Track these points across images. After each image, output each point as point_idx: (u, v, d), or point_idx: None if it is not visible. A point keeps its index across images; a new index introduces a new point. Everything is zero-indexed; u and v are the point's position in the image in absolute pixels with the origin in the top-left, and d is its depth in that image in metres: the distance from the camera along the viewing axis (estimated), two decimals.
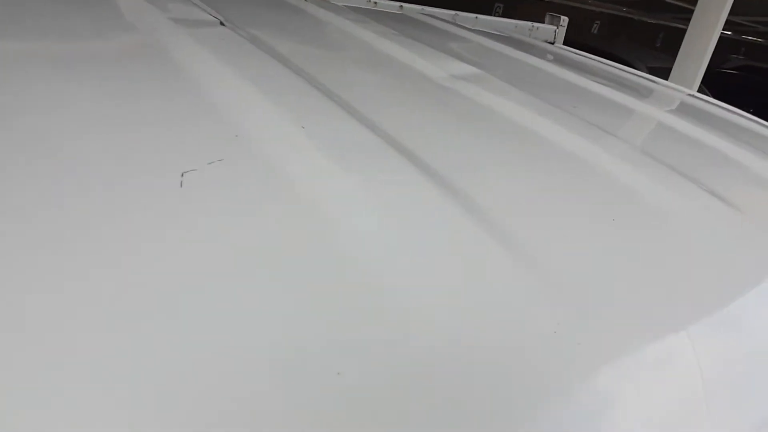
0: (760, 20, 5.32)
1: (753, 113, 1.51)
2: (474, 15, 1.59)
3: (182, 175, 0.43)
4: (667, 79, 2.79)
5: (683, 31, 3.42)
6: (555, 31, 1.75)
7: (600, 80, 1.09)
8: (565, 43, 1.78)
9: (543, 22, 1.78)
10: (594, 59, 1.54)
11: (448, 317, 0.34)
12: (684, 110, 1.06)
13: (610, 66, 1.45)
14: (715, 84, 4.30)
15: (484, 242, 0.42)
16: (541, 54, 1.30)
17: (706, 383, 0.37)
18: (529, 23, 1.70)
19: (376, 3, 1.43)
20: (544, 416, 0.31)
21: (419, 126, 0.61)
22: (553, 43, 1.76)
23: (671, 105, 1.10)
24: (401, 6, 1.48)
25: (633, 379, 0.35)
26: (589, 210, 0.52)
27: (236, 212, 0.40)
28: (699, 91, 3.32)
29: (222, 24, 0.80)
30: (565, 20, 1.76)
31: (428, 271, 0.38)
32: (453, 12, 1.58)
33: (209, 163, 0.45)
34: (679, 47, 2.72)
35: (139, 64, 0.62)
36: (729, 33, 5.16)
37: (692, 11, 2.37)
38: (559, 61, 1.32)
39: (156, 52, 0.67)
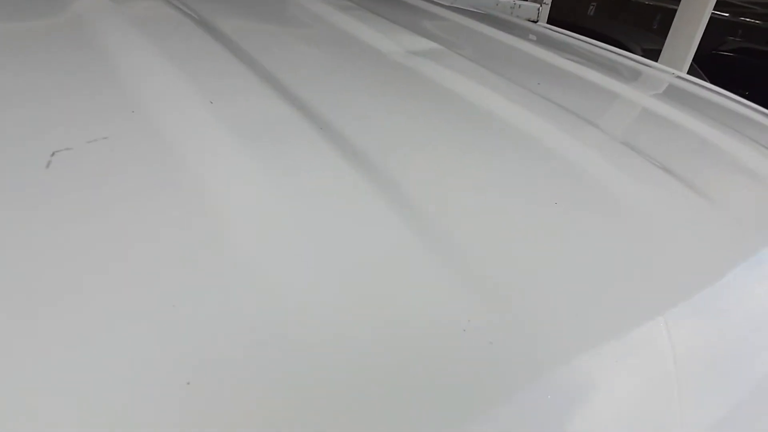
0: (758, 1, 5.21)
1: (749, 95, 1.45)
2: None
3: (53, 154, 0.38)
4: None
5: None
6: (538, 9, 1.68)
7: (575, 59, 1.03)
8: (560, 25, 1.71)
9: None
10: (576, 38, 1.48)
11: (356, 317, 0.29)
12: (661, 90, 1.00)
13: (592, 45, 1.38)
14: (711, 66, 4.22)
15: (408, 238, 0.37)
16: (515, 31, 1.23)
17: (678, 371, 0.34)
18: (511, 1, 1.63)
19: None
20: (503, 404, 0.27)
21: (354, 105, 0.55)
22: (536, 22, 1.69)
23: (648, 85, 1.04)
24: None
25: (596, 367, 0.32)
26: (538, 197, 0.47)
27: (107, 200, 0.35)
28: (693, 72, 3.26)
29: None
30: None
31: (335, 268, 0.33)
32: None
33: (89, 142, 0.40)
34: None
35: (27, 18, 0.56)
36: (726, 14, 5.06)
37: None
38: (537, 39, 1.26)
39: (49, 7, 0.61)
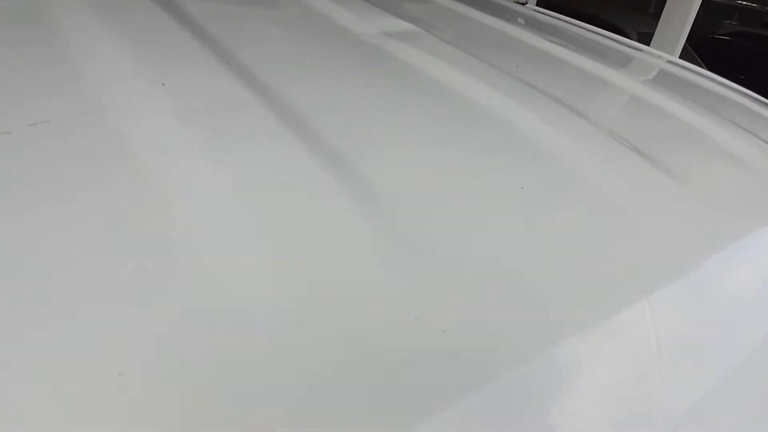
0: None
1: (744, 80, 1.43)
2: None
3: None
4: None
5: None
6: None
7: (559, 42, 1.01)
8: (554, 9, 1.68)
9: None
10: (566, 20, 1.45)
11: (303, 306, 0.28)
12: (648, 75, 0.98)
13: (581, 28, 1.36)
14: (707, 50, 4.18)
15: (362, 228, 0.35)
16: (500, 14, 1.21)
17: (661, 353, 0.34)
18: None
19: None
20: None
21: (319, 88, 0.53)
22: (524, 4, 1.66)
23: (635, 69, 1.02)
24: None
25: (583, 349, 0.31)
26: (506, 182, 0.46)
27: (46, 189, 0.33)
28: (689, 57, 3.22)
29: None
30: None
31: (285, 257, 0.31)
32: None
33: (30, 125, 0.38)
34: None
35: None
36: None
37: None
38: (524, 22, 1.24)
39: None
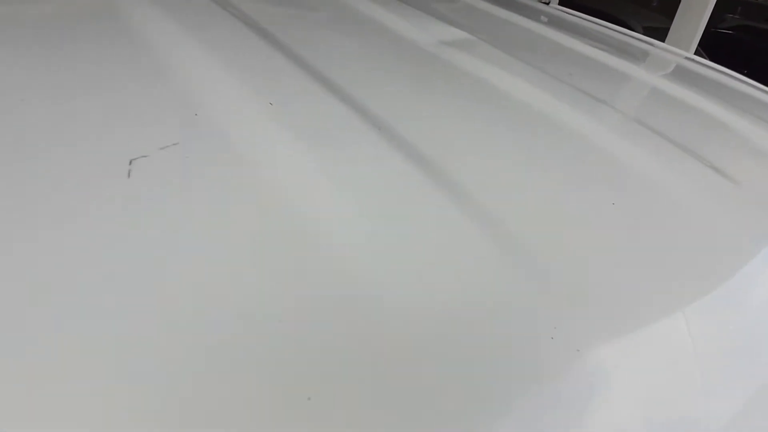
0: None
1: (747, 74, 1.45)
2: None
3: (130, 162, 0.38)
4: (664, 39, 2.71)
5: None
6: None
7: (597, 45, 1.03)
8: (561, 2, 1.69)
9: None
10: (591, 20, 1.47)
11: (426, 310, 0.30)
12: (682, 76, 1.00)
13: (608, 28, 1.38)
14: (710, 44, 4.20)
15: (471, 233, 0.38)
16: (535, 16, 1.22)
17: (699, 359, 0.35)
18: None
19: None
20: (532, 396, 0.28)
21: (405, 103, 0.55)
22: (548, 3, 1.67)
23: (669, 71, 1.04)
24: None
25: (627, 356, 0.33)
26: (579, 185, 0.48)
27: (191, 208, 0.35)
28: (694, 51, 3.24)
29: None
30: None
31: (403, 262, 0.34)
32: None
33: (162, 148, 0.40)
34: (675, 7, 2.60)
35: (83, 24, 0.56)
36: None
37: None
38: (555, 23, 1.25)
39: (104, 10, 0.60)
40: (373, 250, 0.35)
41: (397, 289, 0.32)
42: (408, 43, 0.74)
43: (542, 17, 1.43)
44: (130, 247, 0.31)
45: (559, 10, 1.57)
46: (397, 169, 0.43)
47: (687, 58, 1.22)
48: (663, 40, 1.62)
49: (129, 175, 0.37)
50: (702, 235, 0.45)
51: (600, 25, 1.44)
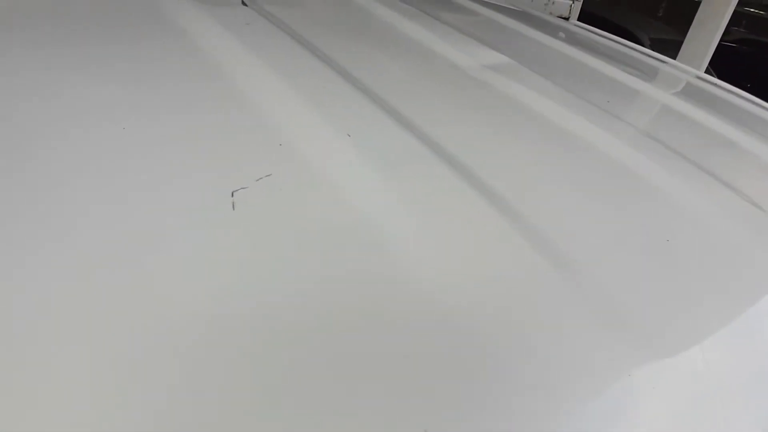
0: None
1: (751, 88, 1.48)
2: None
3: (233, 194, 0.41)
4: (675, 53, 2.74)
5: (685, 1, 3.35)
6: (570, 6, 1.69)
7: (628, 69, 1.06)
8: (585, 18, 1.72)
9: None
10: (617, 41, 1.49)
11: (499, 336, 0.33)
12: (718, 106, 1.03)
13: (635, 50, 1.40)
14: (714, 57, 4.24)
15: (533, 258, 0.41)
16: (554, 31, 1.25)
17: (721, 388, 0.37)
18: None
19: None
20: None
21: (465, 131, 0.58)
22: (567, 18, 1.70)
23: (702, 99, 1.07)
24: None
25: (653, 380, 0.35)
26: (618, 210, 0.51)
27: (296, 235, 0.38)
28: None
29: (244, 4, 0.75)
30: None
31: (477, 289, 0.37)
32: None
33: (257, 180, 0.43)
34: (681, 17, 2.64)
35: (163, 56, 0.58)
36: None
37: None
38: (584, 44, 1.28)
39: (181, 40, 0.62)
40: (446, 280, 0.37)
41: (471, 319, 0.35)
42: (456, 68, 0.76)
43: (560, 33, 1.46)
44: (252, 276, 0.34)
45: (581, 27, 1.60)
46: (473, 203, 0.46)
47: (719, 86, 1.24)
48: (669, 51, 1.64)
49: (234, 207, 0.39)
50: (735, 260, 0.48)
51: (619, 43, 1.48)
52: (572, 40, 1.24)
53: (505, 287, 0.38)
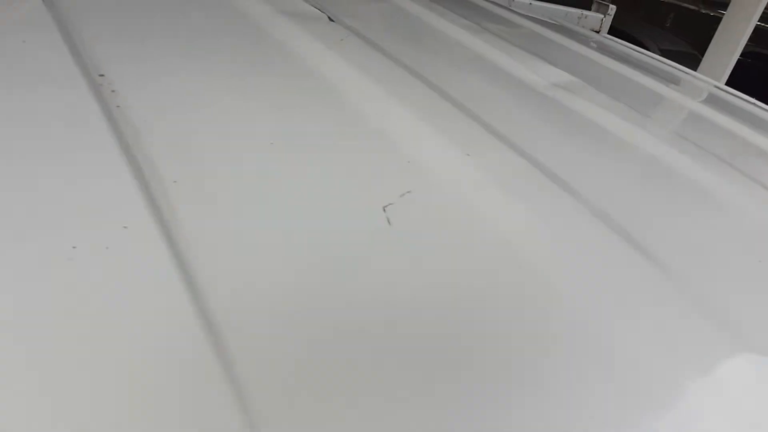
0: None
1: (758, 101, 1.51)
2: (528, 0, 1.57)
3: (384, 209, 0.44)
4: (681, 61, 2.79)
5: (693, 12, 3.42)
6: (602, 20, 1.73)
7: (675, 87, 1.10)
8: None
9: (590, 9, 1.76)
10: (641, 52, 1.53)
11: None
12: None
13: (678, 70, 1.42)
14: None
15: (658, 283, 0.44)
16: (590, 44, 1.29)
17: None
18: (579, 11, 1.68)
19: None
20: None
21: (562, 150, 0.62)
22: (598, 32, 1.74)
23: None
24: None
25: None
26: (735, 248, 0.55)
27: (450, 249, 0.41)
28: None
29: (331, 20, 0.79)
30: (612, 8, 1.74)
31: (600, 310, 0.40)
32: None
33: (401, 195, 0.46)
34: (688, 29, 2.68)
35: (286, 80, 0.62)
36: None
37: None
38: (634, 64, 1.32)
39: (291, 61, 0.66)
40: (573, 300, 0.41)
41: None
42: (531, 89, 0.80)
43: (591, 43, 1.50)
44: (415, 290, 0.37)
45: (610, 39, 1.64)
46: (585, 223, 0.49)
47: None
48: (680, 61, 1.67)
49: (389, 223, 0.43)
50: None
51: (652, 57, 1.52)
52: (619, 57, 1.28)
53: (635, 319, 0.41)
